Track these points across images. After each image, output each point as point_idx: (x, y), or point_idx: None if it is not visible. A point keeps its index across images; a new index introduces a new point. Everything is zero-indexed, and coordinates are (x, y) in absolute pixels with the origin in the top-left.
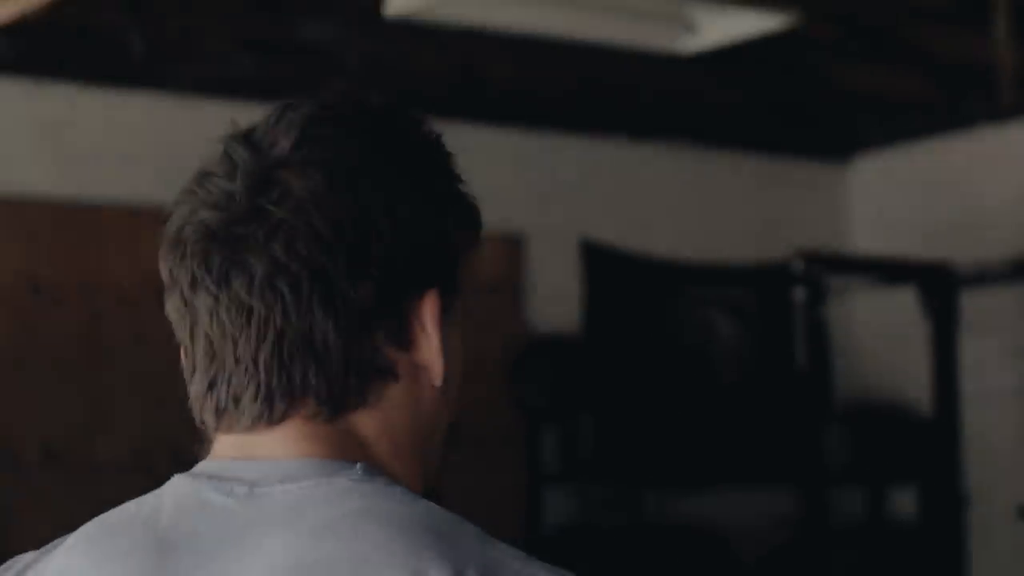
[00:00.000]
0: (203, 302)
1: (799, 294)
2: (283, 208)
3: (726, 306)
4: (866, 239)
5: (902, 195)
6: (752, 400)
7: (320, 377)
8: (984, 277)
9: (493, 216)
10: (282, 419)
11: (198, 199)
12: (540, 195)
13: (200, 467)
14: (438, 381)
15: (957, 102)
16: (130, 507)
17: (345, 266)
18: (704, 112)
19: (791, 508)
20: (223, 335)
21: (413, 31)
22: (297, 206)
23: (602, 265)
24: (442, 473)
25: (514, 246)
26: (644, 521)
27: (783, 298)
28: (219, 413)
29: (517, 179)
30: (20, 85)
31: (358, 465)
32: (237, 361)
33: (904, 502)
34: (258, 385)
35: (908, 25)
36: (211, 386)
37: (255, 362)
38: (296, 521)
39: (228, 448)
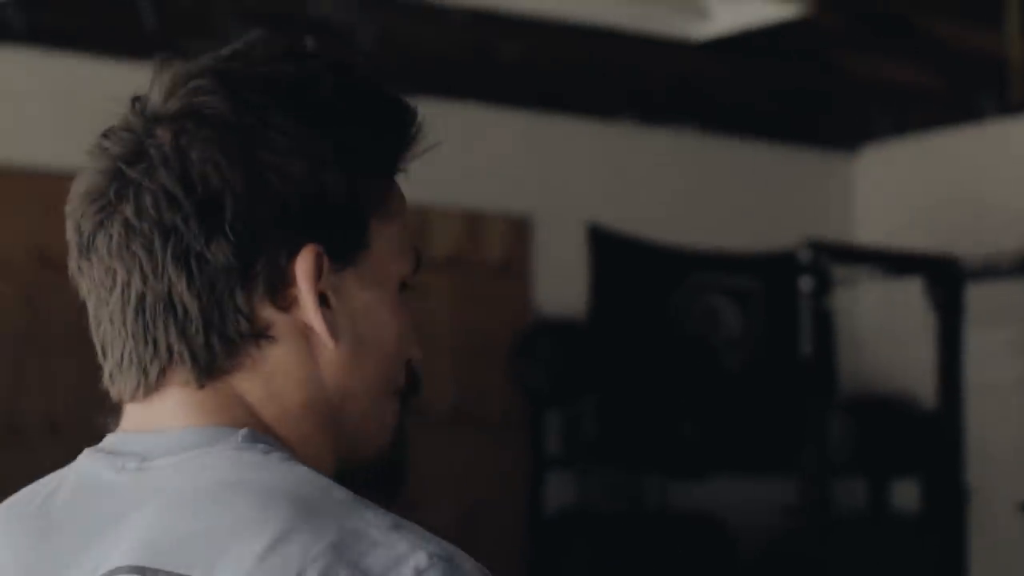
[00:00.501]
0: (83, 268)
1: (805, 283)
2: (136, 168)
3: (732, 294)
4: (873, 229)
5: (910, 186)
6: (756, 388)
7: (182, 341)
8: (991, 270)
9: (501, 197)
10: (157, 387)
11: (90, 163)
12: (548, 177)
13: (105, 440)
14: (329, 342)
15: (967, 95)
16: (37, 486)
17: (197, 224)
18: (714, 99)
19: (793, 498)
20: (99, 301)
21: (425, 10)
22: (149, 165)
23: (609, 249)
24: (402, 445)
25: (521, 228)
26: (645, 507)
27: (789, 287)
28: (112, 381)
29: (526, 161)
30: (31, 56)
31: (240, 432)
32: (112, 326)
33: (906, 494)
34: (130, 352)
35: (921, 16)
36: (103, 353)
37: (124, 328)
38: (168, 495)
39: (129, 420)
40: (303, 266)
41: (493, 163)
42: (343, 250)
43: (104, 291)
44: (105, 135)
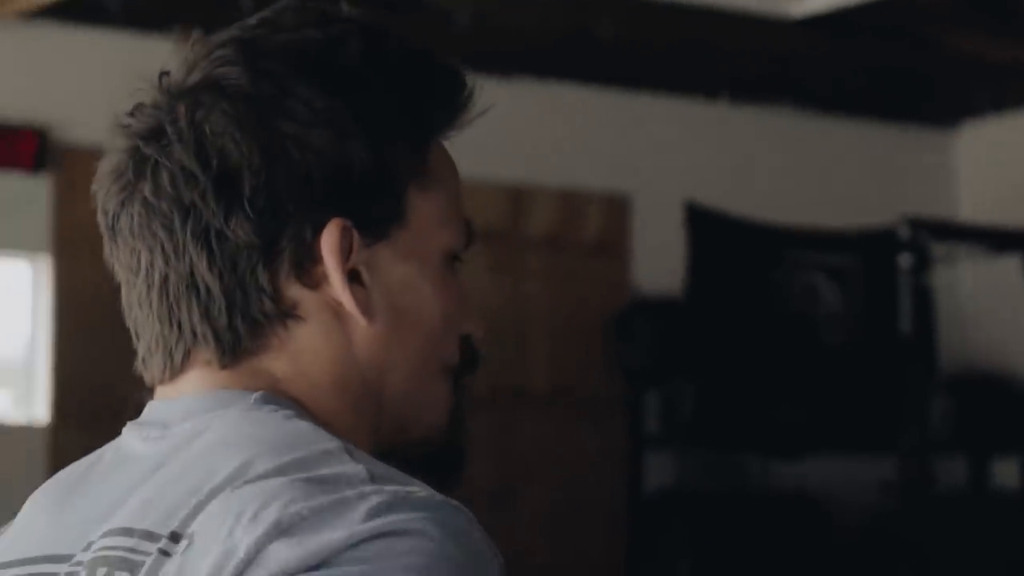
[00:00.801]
0: (112, 251)
1: (905, 261)
2: (153, 145)
3: (831, 271)
4: (973, 206)
5: (1010, 163)
6: (856, 367)
7: (205, 322)
8: None
9: (598, 177)
10: (183, 369)
11: (113, 142)
12: (646, 156)
13: (143, 412)
14: (361, 320)
15: None
16: (84, 460)
17: (215, 200)
18: (811, 76)
19: (893, 476)
20: (128, 284)
21: None
22: (166, 142)
23: (707, 228)
24: (459, 427)
25: (619, 207)
26: (744, 487)
27: (888, 264)
28: (144, 366)
29: (623, 140)
30: (127, 38)
31: (254, 395)
32: (141, 310)
33: (1007, 471)
34: (157, 336)
35: None
36: (136, 337)
37: (151, 311)
38: (175, 459)
39: (161, 392)
40: (329, 241)
41: (590, 142)
42: (375, 223)
43: (131, 274)
44: (131, 112)
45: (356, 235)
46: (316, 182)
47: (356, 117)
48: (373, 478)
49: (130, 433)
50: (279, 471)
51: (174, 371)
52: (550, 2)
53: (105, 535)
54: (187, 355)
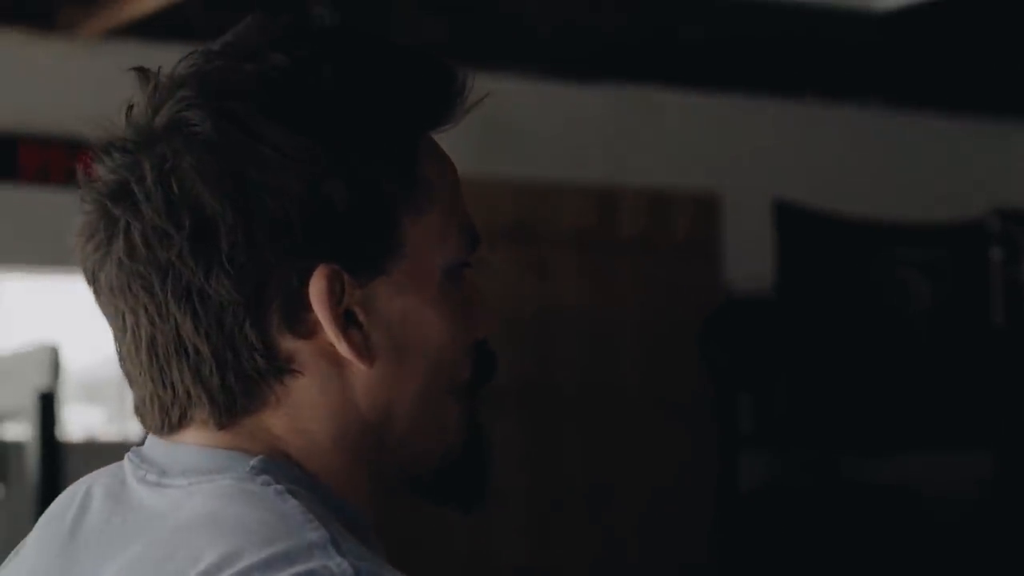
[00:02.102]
0: (97, 305)
1: (996, 253)
2: (120, 206)
3: (921, 266)
4: None
5: None
6: (949, 360)
7: (198, 384)
8: None
9: (687, 177)
10: (180, 427)
11: (82, 196)
12: (734, 156)
13: (145, 444)
14: (361, 365)
15: None
16: (76, 487)
17: (192, 259)
18: (898, 71)
19: (990, 469)
20: (116, 339)
21: None
22: (133, 201)
23: (796, 225)
24: (477, 441)
25: (708, 207)
26: (839, 484)
27: (979, 257)
28: (139, 414)
29: (711, 140)
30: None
31: (252, 461)
32: (131, 365)
33: None
34: (151, 394)
35: None
36: (130, 384)
37: (142, 368)
38: (164, 523)
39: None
40: (316, 289)
41: (678, 143)
42: (366, 261)
43: (118, 331)
44: (100, 154)
45: (347, 277)
46: (296, 229)
47: (332, 153)
48: (358, 575)
49: (131, 466)
50: (263, 566)
51: (171, 428)
52: (635, 5)
53: None
54: (183, 415)
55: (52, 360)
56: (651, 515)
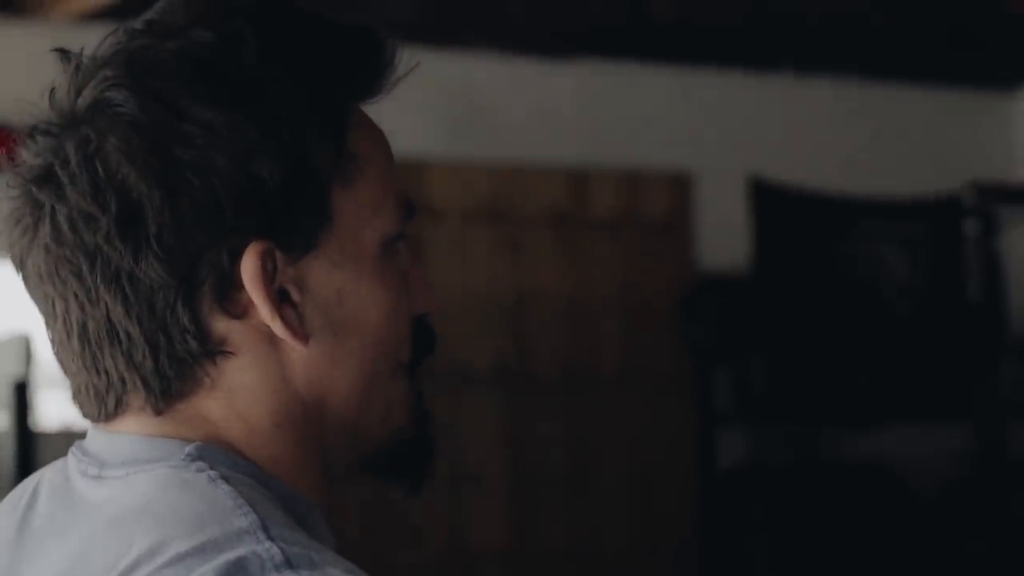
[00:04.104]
0: (27, 292)
1: (971, 226)
2: (44, 190)
3: (897, 240)
4: None
5: None
6: (925, 334)
7: (131, 369)
8: None
9: (660, 155)
10: (117, 414)
11: (7, 182)
12: (707, 133)
13: (87, 437)
14: (296, 345)
15: None
16: (28, 481)
17: (120, 242)
18: (870, 41)
19: (967, 444)
20: (47, 326)
21: None
22: (58, 185)
23: (771, 202)
24: (423, 417)
25: (682, 185)
26: (818, 459)
27: (955, 231)
28: (75, 402)
29: (684, 117)
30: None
31: (188, 448)
32: (64, 352)
33: None
34: (86, 383)
35: None
36: (64, 373)
37: (75, 356)
38: (99, 516)
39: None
40: (248, 267)
41: (651, 121)
42: (298, 236)
43: (48, 318)
44: (22, 138)
45: (279, 254)
46: (225, 207)
47: (259, 128)
48: (287, 560)
49: (73, 460)
50: (193, 553)
51: (108, 416)
52: None
53: None
54: (119, 402)
55: (25, 349)
56: (632, 495)
